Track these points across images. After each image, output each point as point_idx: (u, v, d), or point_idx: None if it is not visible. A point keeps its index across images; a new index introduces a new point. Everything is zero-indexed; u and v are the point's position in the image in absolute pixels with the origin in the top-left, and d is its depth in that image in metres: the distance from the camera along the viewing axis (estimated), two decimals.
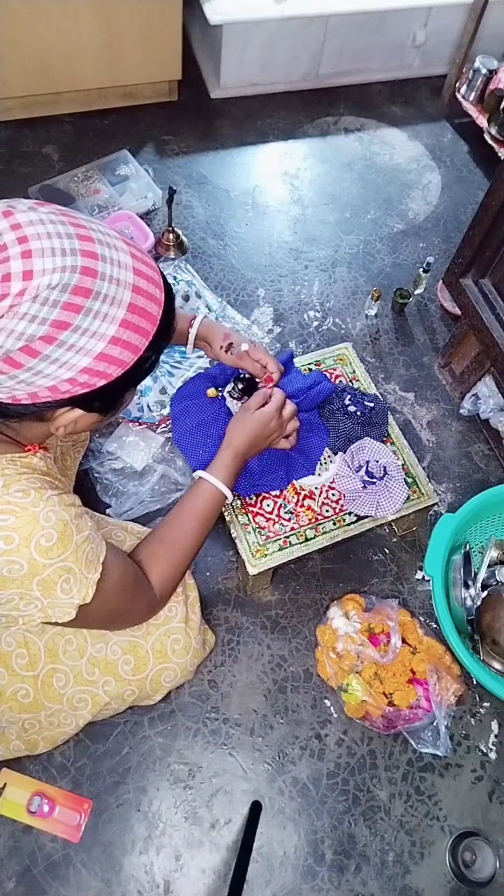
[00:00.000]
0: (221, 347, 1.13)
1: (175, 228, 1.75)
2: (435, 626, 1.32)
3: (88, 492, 1.37)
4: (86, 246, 0.62)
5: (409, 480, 1.26)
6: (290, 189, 1.99)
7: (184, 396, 1.24)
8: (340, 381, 1.35)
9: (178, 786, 1.15)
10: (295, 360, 1.33)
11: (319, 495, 1.22)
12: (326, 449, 1.25)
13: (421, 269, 1.72)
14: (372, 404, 1.26)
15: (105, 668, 0.97)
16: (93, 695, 0.97)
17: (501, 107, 1.95)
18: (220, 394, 1.23)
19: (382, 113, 2.24)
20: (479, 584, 1.25)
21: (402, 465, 1.27)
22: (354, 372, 1.38)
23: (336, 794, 1.17)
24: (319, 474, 1.23)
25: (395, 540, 1.43)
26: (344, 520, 1.21)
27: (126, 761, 1.16)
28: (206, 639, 1.12)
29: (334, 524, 1.20)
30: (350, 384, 1.35)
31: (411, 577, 1.39)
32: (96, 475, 1.38)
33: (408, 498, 1.23)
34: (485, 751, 1.23)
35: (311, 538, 1.19)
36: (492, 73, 2.01)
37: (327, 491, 1.23)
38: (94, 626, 0.93)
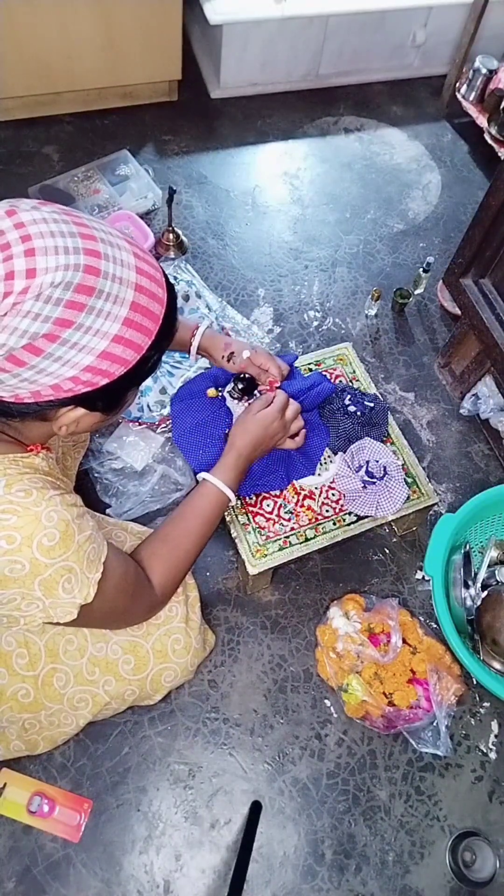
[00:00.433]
0: (223, 357, 1.14)
1: (175, 228, 1.75)
2: (435, 626, 1.33)
3: (88, 492, 1.37)
4: (88, 244, 0.62)
5: (409, 480, 1.26)
6: (290, 189, 1.99)
7: (184, 396, 1.24)
8: (340, 381, 1.35)
9: (178, 786, 1.15)
10: (295, 360, 1.33)
11: (319, 495, 1.22)
12: (326, 449, 1.25)
13: (421, 269, 1.72)
14: (372, 404, 1.27)
15: (105, 668, 0.96)
16: (93, 694, 0.97)
17: (501, 107, 1.95)
18: (220, 394, 1.24)
19: (382, 113, 2.24)
20: (479, 584, 1.25)
21: (402, 465, 1.27)
22: (354, 372, 1.38)
23: (336, 793, 1.17)
24: (319, 474, 1.23)
25: (395, 540, 1.43)
26: (344, 520, 1.21)
27: (126, 761, 1.16)
28: (207, 639, 1.12)
29: (334, 524, 1.20)
30: (350, 384, 1.35)
31: (411, 577, 1.39)
32: (96, 475, 1.37)
33: (408, 498, 1.23)
34: (485, 751, 1.23)
35: (311, 538, 1.19)
36: (492, 73, 2.01)
37: (327, 491, 1.23)
38: (95, 626, 0.93)
